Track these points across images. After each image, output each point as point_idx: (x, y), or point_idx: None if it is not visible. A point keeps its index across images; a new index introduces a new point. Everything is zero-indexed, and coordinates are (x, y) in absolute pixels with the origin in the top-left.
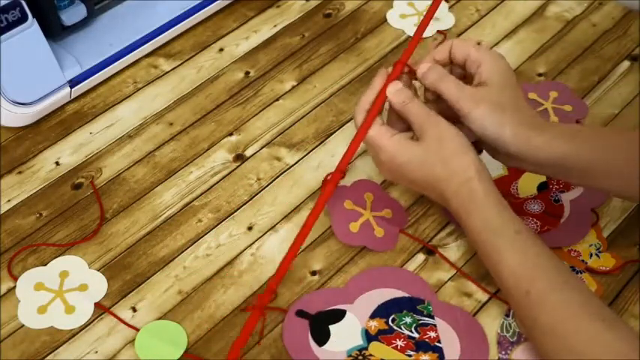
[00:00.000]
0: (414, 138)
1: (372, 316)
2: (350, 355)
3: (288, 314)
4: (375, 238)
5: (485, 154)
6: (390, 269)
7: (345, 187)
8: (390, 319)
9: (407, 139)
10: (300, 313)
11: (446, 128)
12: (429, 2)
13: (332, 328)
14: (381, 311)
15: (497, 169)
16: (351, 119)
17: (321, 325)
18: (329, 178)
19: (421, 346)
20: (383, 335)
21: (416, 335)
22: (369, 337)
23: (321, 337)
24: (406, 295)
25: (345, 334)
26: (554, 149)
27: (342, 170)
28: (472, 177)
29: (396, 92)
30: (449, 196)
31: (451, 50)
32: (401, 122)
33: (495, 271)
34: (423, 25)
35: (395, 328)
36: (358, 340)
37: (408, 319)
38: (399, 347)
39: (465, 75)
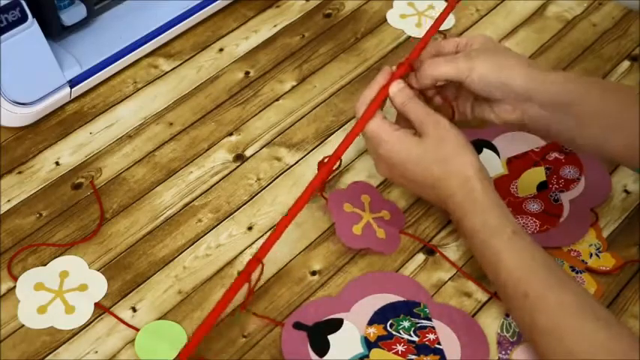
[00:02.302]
0: (416, 135)
1: (370, 323)
2: None
3: (285, 327)
4: (378, 240)
5: (485, 156)
6: (383, 274)
7: (342, 190)
8: (389, 324)
9: (408, 135)
10: (298, 325)
11: (446, 128)
12: (429, 2)
13: (331, 337)
14: (379, 317)
15: (497, 168)
16: (351, 119)
17: (319, 335)
18: (326, 160)
19: (422, 349)
20: (383, 341)
21: (415, 339)
22: (369, 344)
23: (322, 348)
24: (401, 298)
25: (345, 343)
26: (569, 85)
27: (339, 156)
28: (471, 176)
29: (398, 92)
30: (447, 196)
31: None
32: (408, 122)
33: (493, 273)
34: (436, 25)
35: (394, 333)
36: (359, 349)
37: (406, 323)
38: (400, 352)
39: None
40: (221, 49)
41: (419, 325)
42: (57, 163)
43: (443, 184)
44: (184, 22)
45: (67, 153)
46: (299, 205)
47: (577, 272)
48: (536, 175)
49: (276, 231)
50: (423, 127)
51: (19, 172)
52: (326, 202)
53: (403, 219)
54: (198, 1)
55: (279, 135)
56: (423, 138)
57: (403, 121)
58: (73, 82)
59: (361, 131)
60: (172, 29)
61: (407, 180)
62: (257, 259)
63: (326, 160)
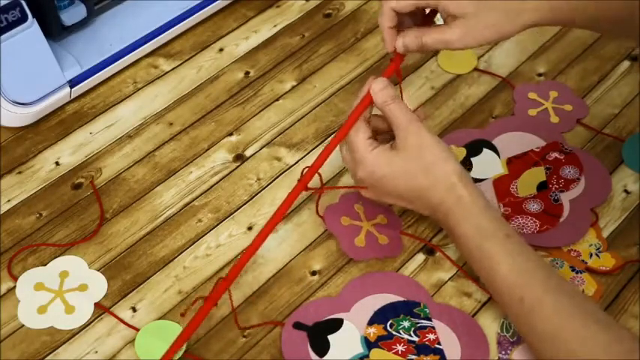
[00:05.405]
0: (393, 145)
1: (370, 323)
2: None
3: (285, 327)
4: (382, 247)
5: (485, 156)
6: (383, 274)
7: (335, 205)
8: (389, 324)
9: (386, 151)
10: (298, 325)
11: (426, 136)
12: None
13: (331, 338)
14: (379, 317)
15: (497, 168)
16: None
17: (319, 335)
18: (305, 172)
19: (422, 349)
20: (383, 341)
21: (415, 339)
22: (369, 344)
23: (321, 348)
24: (401, 299)
25: (345, 343)
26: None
27: (316, 168)
28: (455, 183)
29: (380, 91)
30: (435, 205)
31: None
32: (383, 121)
33: (488, 278)
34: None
35: (394, 333)
36: (359, 349)
37: (406, 323)
38: (400, 352)
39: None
40: (221, 49)
41: (419, 325)
42: (57, 163)
43: (429, 193)
44: (184, 22)
45: (67, 153)
46: (273, 223)
47: (577, 272)
48: (536, 175)
49: (247, 252)
50: (404, 134)
51: (19, 172)
52: (323, 220)
53: (400, 219)
54: (198, 1)
55: (279, 135)
56: (403, 147)
57: (379, 121)
58: (73, 82)
59: (342, 139)
60: (172, 29)
61: (392, 196)
62: (227, 280)
63: (305, 172)
